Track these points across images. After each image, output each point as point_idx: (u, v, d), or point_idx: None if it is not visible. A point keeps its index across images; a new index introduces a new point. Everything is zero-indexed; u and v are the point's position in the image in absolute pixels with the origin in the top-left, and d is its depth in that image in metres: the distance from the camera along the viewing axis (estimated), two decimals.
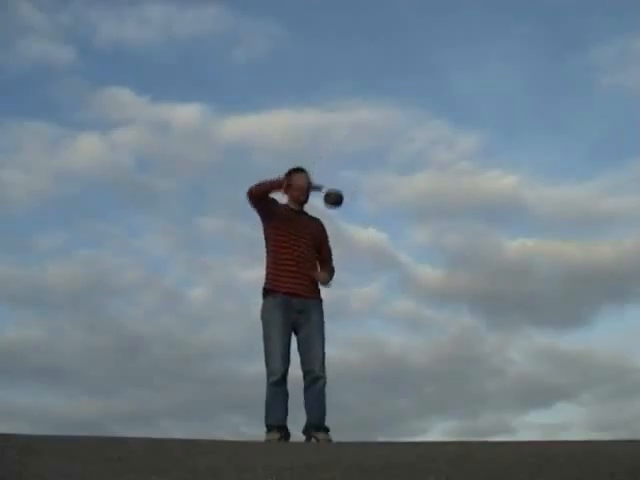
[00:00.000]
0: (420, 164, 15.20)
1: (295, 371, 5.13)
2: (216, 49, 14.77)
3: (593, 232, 14.89)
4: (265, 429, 5.04)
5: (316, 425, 5.06)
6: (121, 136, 14.31)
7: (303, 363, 5.14)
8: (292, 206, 5.37)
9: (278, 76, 15.06)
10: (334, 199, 5.29)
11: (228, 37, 14.64)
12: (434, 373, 13.06)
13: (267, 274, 5.27)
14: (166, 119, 14.66)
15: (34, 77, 14.39)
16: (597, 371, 13.13)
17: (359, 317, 13.04)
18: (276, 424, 5.01)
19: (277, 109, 14.63)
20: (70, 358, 12.96)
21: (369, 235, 14.15)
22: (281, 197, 5.36)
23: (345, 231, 12.60)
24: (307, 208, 5.44)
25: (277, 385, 5.02)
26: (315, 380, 5.10)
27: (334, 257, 5.50)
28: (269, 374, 5.04)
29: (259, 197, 5.24)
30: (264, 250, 5.33)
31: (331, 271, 5.44)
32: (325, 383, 5.11)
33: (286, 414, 5.07)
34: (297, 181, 5.32)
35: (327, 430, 5.07)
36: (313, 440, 5.02)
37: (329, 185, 5.33)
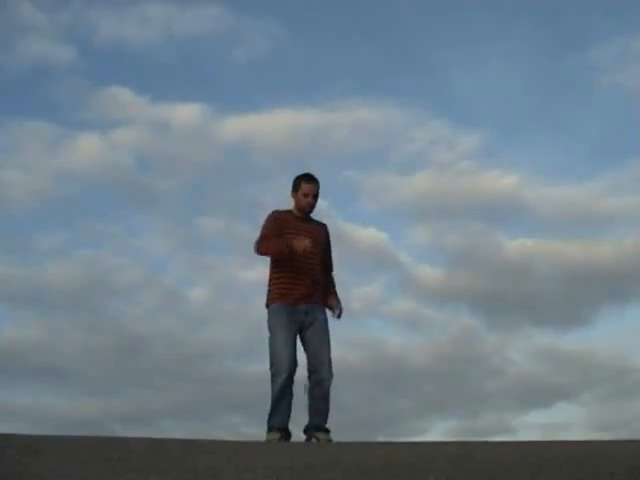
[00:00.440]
0: (420, 164, 15.21)
1: (297, 371, 5.13)
2: (216, 49, 14.77)
3: (593, 232, 14.90)
4: (266, 429, 5.04)
5: (318, 425, 5.06)
6: (121, 136, 14.31)
7: (309, 363, 5.14)
8: (297, 213, 5.36)
9: (278, 76, 15.07)
10: None
11: (228, 37, 14.64)
12: (434, 373, 13.07)
13: (270, 290, 5.27)
14: (166, 119, 14.67)
15: (34, 77, 14.40)
16: (597, 371, 13.14)
17: (359, 317, 13.03)
18: (279, 426, 5.01)
19: (277, 109, 14.64)
20: (70, 358, 12.97)
21: (369, 235, 14.16)
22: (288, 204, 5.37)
23: (345, 231, 12.63)
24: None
25: (284, 387, 5.01)
26: (321, 381, 5.10)
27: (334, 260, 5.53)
28: (275, 375, 5.02)
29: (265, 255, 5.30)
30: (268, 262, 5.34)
31: (333, 282, 5.47)
32: (330, 385, 5.12)
33: (289, 416, 5.07)
34: (304, 191, 5.29)
35: (328, 431, 5.07)
36: (313, 440, 5.03)
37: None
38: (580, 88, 14.74)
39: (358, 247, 13.59)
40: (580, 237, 14.44)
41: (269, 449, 4.39)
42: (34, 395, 12.22)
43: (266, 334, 5.18)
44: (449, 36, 14.84)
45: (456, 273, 14.30)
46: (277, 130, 14.37)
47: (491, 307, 14.12)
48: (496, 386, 13.08)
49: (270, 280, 5.30)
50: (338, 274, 5.55)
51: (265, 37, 14.49)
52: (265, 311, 5.26)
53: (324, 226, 5.49)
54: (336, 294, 5.42)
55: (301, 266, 5.21)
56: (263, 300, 5.31)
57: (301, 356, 5.17)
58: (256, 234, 5.35)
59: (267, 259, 5.32)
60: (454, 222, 15.21)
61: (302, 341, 5.18)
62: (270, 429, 5.02)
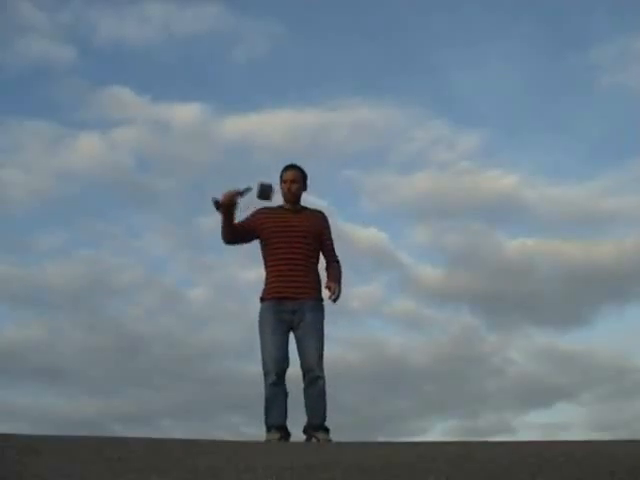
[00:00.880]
0: (420, 164, 15.22)
1: (295, 371, 5.13)
2: (216, 48, 14.78)
3: (593, 232, 14.92)
4: (265, 429, 5.04)
5: (316, 425, 5.06)
6: (121, 136, 14.33)
7: (301, 363, 5.12)
8: (286, 206, 5.34)
9: (278, 76, 15.08)
10: (263, 193, 5.15)
11: (228, 36, 14.65)
12: (434, 373, 13.07)
13: (265, 283, 5.27)
14: (166, 119, 14.68)
15: (34, 76, 14.41)
16: (597, 371, 13.15)
17: (359, 317, 13.04)
18: (276, 424, 5.00)
19: (277, 109, 14.66)
20: (70, 358, 12.98)
21: (369, 235, 14.16)
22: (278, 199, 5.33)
23: (345, 231, 12.62)
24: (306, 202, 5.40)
25: (275, 385, 5.01)
26: (314, 380, 5.07)
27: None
28: (265, 375, 5.02)
29: (231, 241, 5.25)
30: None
31: (335, 267, 5.34)
32: (325, 382, 5.09)
33: (286, 414, 5.06)
34: (284, 178, 5.28)
35: (327, 430, 5.07)
36: (313, 440, 5.03)
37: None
38: (580, 88, 14.76)
39: (358, 247, 13.60)
40: (580, 237, 14.46)
41: (269, 449, 4.39)
42: (34, 395, 12.24)
43: None
44: (449, 36, 14.86)
45: (456, 273, 14.32)
46: (277, 130, 14.39)
47: (491, 307, 14.13)
48: (496, 386, 13.09)
49: (265, 277, 5.29)
50: None
51: (265, 37, 14.51)
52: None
53: (320, 213, 5.40)
54: (336, 278, 5.27)
55: (289, 261, 5.16)
56: None
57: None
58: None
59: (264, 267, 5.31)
60: (454, 222, 15.23)
61: (295, 340, 5.15)
62: (269, 429, 5.01)
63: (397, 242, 15.03)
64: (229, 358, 13.30)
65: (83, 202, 14.41)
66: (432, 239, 14.94)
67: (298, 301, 5.15)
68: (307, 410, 5.11)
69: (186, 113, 14.45)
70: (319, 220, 5.36)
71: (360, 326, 13.08)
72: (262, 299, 5.23)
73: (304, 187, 5.37)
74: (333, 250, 5.40)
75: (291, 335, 5.16)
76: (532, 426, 11.50)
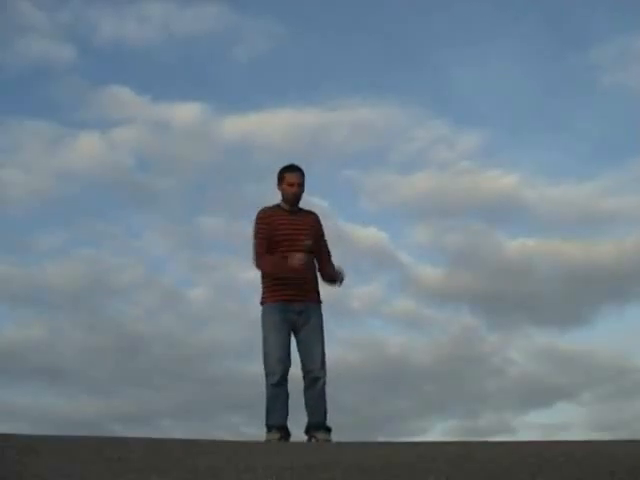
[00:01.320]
0: (420, 163, 15.18)
1: (295, 371, 5.14)
2: (216, 48, 14.75)
3: (593, 232, 14.88)
4: (265, 429, 5.04)
5: (317, 425, 5.07)
6: (121, 135, 14.29)
7: (303, 364, 5.13)
8: (285, 206, 5.34)
9: (279, 75, 15.05)
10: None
11: (228, 36, 14.61)
12: (434, 373, 13.06)
13: (264, 288, 5.26)
14: (166, 118, 14.64)
15: (34, 76, 14.37)
16: (597, 371, 13.13)
17: (359, 317, 13.03)
18: (276, 425, 5.01)
19: (278, 108, 14.62)
20: (70, 358, 12.96)
21: (369, 235, 14.15)
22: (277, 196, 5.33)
23: (345, 231, 12.63)
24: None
25: (277, 386, 5.02)
26: (315, 380, 5.10)
27: (332, 255, 5.47)
28: (268, 375, 5.03)
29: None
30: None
31: (332, 267, 5.39)
32: (325, 383, 5.11)
33: (287, 414, 5.07)
34: (289, 181, 5.27)
35: (329, 430, 5.08)
36: (313, 440, 5.03)
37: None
38: (581, 87, 14.74)
39: (358, 247, 13.57)
40: (580, 237, 14.43)
41: (269, 449, 4.39)
42: (34, 395, 12.22)
43: None
44: (450, 35, 14.82)
45: (456, 273, 14.29)
46: (277, 129, 14.36)
47: (491, 307, 14.12)
48: (496, 386, 13.08)
49: (262, 278, 5.28)
50: None
51: (265, 36, 14.48)
52: (260, 309, 5.25)
53: (314, 215, 5.43)
54: (335, 268, 5.39)
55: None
56: None
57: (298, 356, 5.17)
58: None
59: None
60: (454, 222, 15.19)
61: (296, 341, 5.16)
62: (269, 429, 5.02)
63: (397, 242, 15.01)
64: (229, 358, 13.30)
65: (83, 202, 14.40)
66: (432, 239, 14.92)
67: (304, 302, 5.18)
68: (308, 410, 5.12)
69: (186, 113, 14.43)
70: (316, 221, 5.41)
71: (360, 326, 13.08)
72: (266, 301, 5.23)
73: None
74: (329, 250, 5.45)
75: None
76: (532, 426, 11.50)
